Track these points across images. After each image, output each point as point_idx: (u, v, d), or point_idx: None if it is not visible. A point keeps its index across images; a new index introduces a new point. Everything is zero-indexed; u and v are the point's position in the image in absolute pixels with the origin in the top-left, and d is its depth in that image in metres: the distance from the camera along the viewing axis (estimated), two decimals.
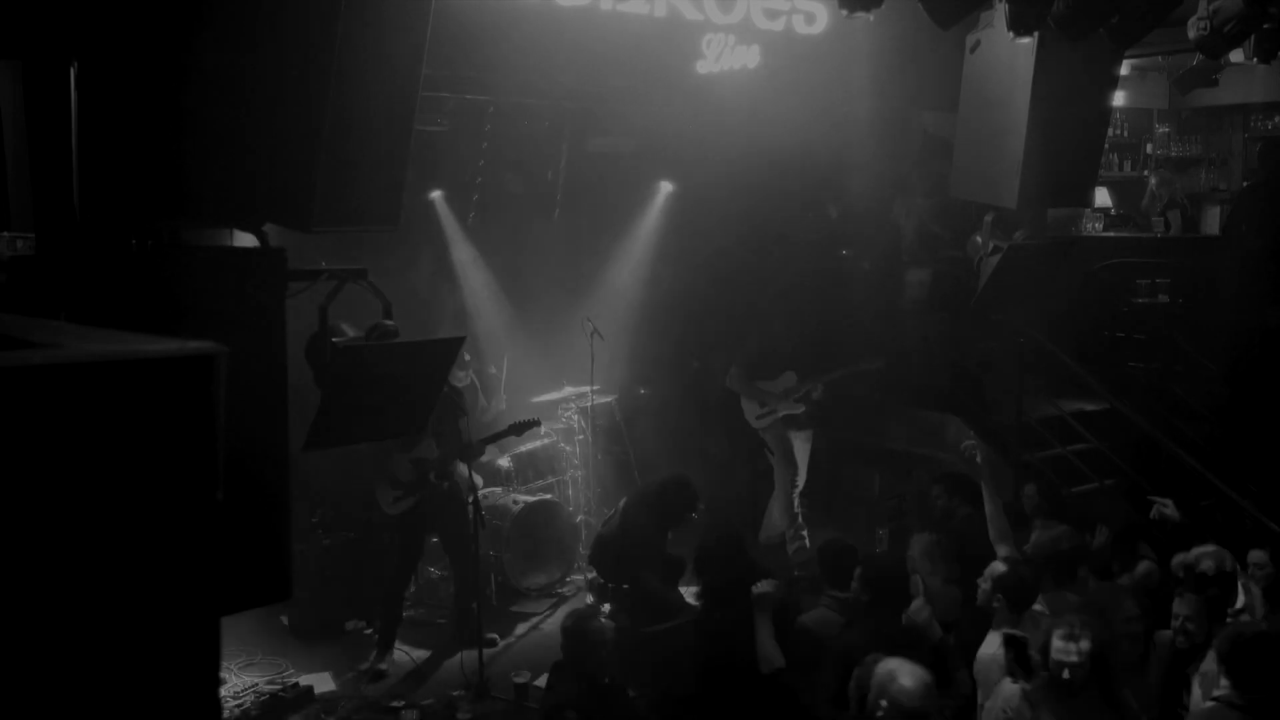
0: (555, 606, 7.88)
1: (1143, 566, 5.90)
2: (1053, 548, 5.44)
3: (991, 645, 4.69)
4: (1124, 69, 8.10)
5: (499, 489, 8.15)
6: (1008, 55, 6.38)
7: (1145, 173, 12.08)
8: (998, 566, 4.91)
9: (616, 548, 6.89)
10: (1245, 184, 10.70)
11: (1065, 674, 4.12)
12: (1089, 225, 10.40)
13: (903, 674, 3.90)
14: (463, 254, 8.82)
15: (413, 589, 7.53)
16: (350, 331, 5.53)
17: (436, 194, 8.53)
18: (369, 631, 7.01)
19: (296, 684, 6.54)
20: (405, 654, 7.04)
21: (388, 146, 4.15)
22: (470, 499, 6.77)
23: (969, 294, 8.15)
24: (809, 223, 9.37)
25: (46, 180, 3.51)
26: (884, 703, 3.86)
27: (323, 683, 6.68)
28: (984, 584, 4.87)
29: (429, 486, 6.97)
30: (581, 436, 8.63)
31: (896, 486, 8.69)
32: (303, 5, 3.82)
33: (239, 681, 6.52)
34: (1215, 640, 4.42)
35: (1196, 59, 9.32)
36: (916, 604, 4.83)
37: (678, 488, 6.82)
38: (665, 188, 9.31)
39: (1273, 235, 8.32)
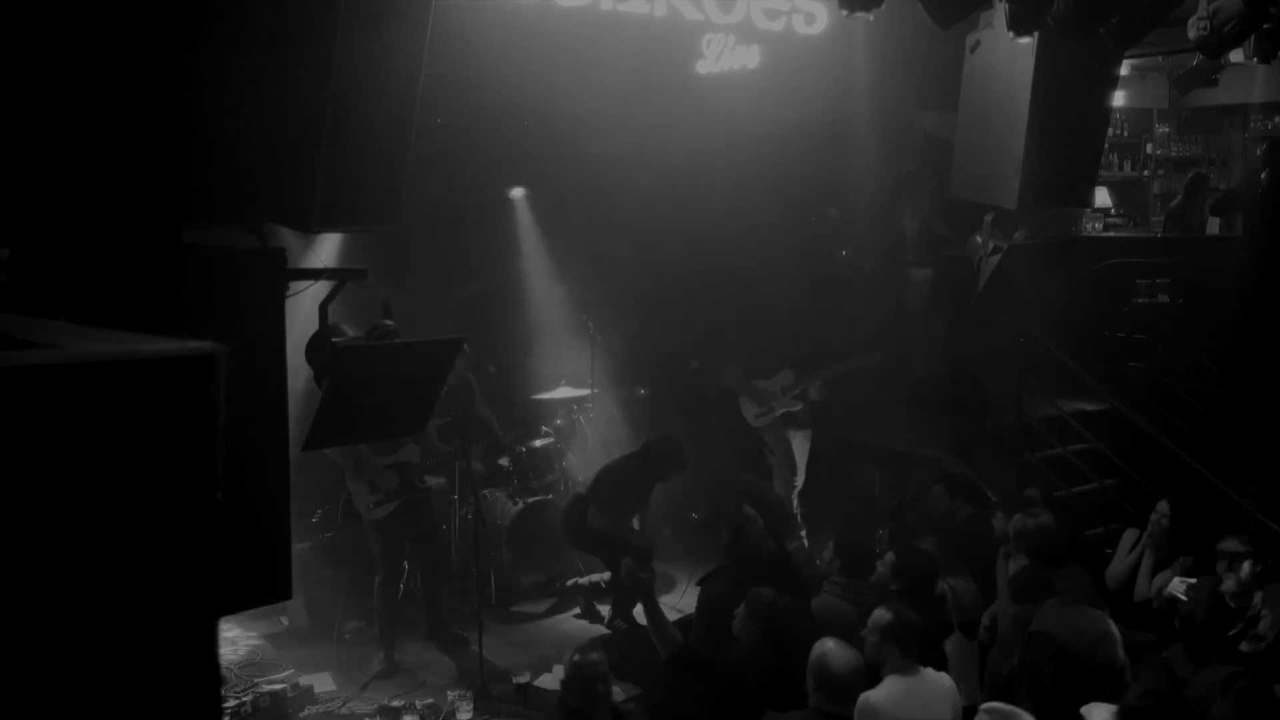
0: (555, 606, 7.89)
1: None
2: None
3: (884, 691, 4.48)
4: (1124, 69, 8.10)
5: (499, 489, 8.14)
6: (1008, 55, 6.37)
7: (1145, 173, 12.10)
8: (883, 615, 4.65)
9: (582, 504, 7.27)
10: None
11: None
12: (1089, 225, 10.41)
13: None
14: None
15: (403, 589, 7.51)
16: (350, 331, 5.52)
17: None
18: (377, 625, 7.02)
19: (296, 684, 6.54)
20: (405, 654, 7.03)
21: (388, 146, 4.15)
22: (470, 497, 6.76)
23: (969, 294, 8.14)
24: (808, 222, 9.36)
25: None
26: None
27: (323, 683, 6.68)
28: (871, 636, 4.63)
29: (414, 491, 6.96)
30: (581, 436, 8.63)
31: (896, 486, 8.68)
32: (302, 5, 3.81)
33: (239, 681, 6.52)
34: None
35: (1196, 59, 9.31)
36: None
37: (663, 441, 7.16)
38: (664, 188, 9.29)
39: (1273, 235, 8.31)
